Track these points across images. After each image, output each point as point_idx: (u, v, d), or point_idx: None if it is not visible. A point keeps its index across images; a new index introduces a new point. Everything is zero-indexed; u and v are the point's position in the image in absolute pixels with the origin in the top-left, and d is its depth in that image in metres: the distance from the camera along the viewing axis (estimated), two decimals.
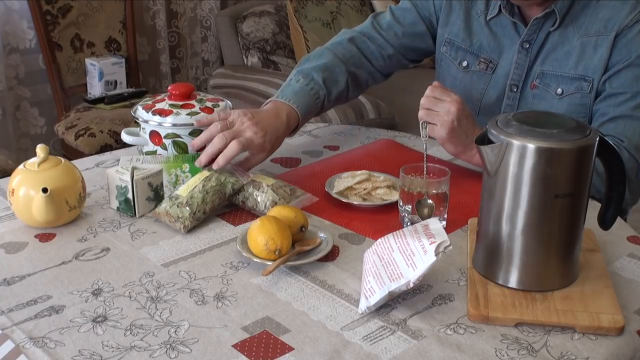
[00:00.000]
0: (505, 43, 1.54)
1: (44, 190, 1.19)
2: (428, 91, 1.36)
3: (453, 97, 1.35)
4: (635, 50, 1.40)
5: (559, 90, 1.48)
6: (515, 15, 1.50)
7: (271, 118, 1.40)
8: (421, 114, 1.35)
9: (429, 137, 1.34)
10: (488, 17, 1.55)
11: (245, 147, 1.33)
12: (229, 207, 1.33)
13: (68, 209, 1.24)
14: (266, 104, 1.48)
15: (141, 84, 3.15)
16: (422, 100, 1.36)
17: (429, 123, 1.35)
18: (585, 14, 1.46)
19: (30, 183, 1.22)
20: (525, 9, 1.50)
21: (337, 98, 1.58)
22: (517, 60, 1.52)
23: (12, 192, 1.23)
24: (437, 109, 1.34)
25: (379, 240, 1.08)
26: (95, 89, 2.90)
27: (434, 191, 1.22)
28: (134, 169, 1.29)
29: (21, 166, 1.26)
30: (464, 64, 1.60)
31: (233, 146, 1.30)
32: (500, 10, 1.52)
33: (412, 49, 1.68)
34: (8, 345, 0.94)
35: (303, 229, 1.19)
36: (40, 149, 1.26)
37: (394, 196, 1.32)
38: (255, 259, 1.13)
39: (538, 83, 1.51)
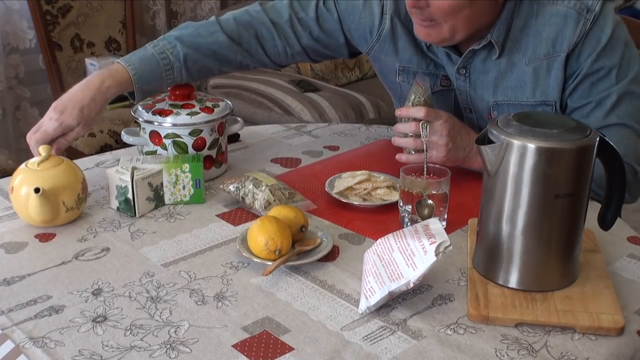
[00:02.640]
0: (448, 69, 1.47)
1: (36, 190, 1.19)
2: (414, 114, 1.33)
3: (442, 118, 1.33)
4: (584, 61, 1.33)
5: None
6: (448, 47, 1.41)
7: (77, 92, 1.38)
8: (415, 143, 1.34)
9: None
10: (427, 44, 1.46)
11: (44, 139, 1.34)
12: (229, 207, 1.34)
13: (65, 210, 1.24)
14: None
15: None
16: (412, 128, 1.34)
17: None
18: (526, 35, 1.35)
19: (29, 182, 1.22)
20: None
21: (199, 75, 1.51)
22: (458, 86, 1.46)
23: (12, 190, 1.23)
24: (429, 135, 1.32)
25: (379, 240, 1.08)
26: None
27: (434, 191, 1.22)
28: (134, 169, 1.29)
29: (23, 165, 1.26)
30: None
31: (33, 146, 1.34)
32: None
33: (322, 54, 1.59)
34: (8, 345, 0.94)
35: (303, 229, 1.19)
36: (43, 149, 1.26)
37: (394, 196, 1.32)
38: (255, 259, 1.13)
39: (496, 115, 1.43)
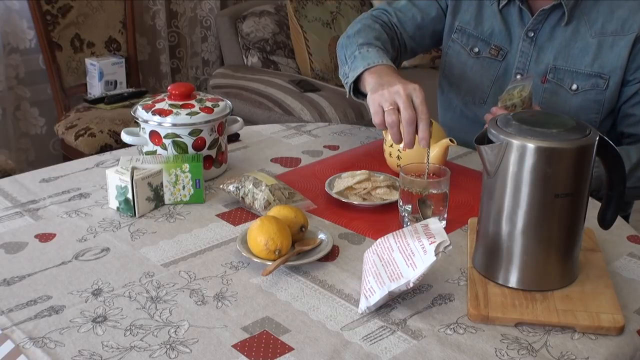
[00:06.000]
0: (514, 32, 1.56)
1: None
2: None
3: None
4: None
5: (574, 86, 1.50)
6: (524, 2, 1.52)
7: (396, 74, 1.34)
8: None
9: None
10: (500, 5, 1.57)
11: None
12: (229, 207, 1.34)
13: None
14: (363, 74, 1.39)
15: (141, 84, 3.15)
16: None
17: None
18: (597, 10, 1.48)
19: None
20: None
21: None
22: (522, 48, 1.55)
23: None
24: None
25: (379, 240, 1.07)
26: (95, 89, 2.90)
27: (433, 191, 1.22)
28: (134, 169, 1.29)
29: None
30: (475, 50, 1.61)
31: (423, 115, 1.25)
32: None
33: (429, 33, 1.67)
34: (8, 345, 0.94)
35: (303, 229, 1.19)
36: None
37: (394, 196, 1.32)
38: (255, 259, 1.13)
39: (551, 78, 1.52)
